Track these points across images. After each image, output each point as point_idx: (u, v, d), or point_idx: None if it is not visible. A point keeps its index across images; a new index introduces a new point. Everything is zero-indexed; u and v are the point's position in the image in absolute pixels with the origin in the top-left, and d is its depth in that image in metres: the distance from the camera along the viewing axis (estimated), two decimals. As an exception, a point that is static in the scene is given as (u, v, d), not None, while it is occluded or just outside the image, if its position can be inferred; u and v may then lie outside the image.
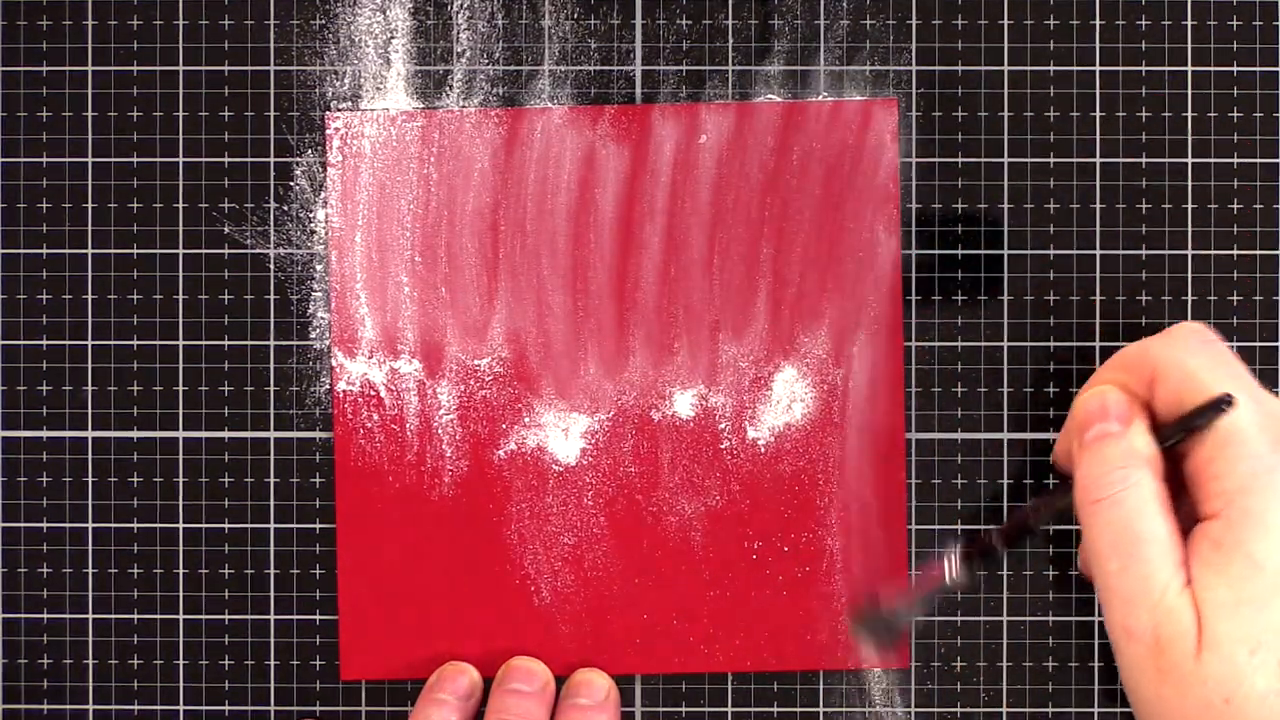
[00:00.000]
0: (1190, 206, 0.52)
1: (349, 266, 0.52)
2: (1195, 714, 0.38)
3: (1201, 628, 0.37)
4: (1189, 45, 0.52)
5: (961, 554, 0.45)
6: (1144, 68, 0.52)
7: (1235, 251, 0.52)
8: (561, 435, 0.52)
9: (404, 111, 0.52)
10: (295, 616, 0.52)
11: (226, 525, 0.52)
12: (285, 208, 0.52)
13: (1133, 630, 0.38)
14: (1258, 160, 0.52)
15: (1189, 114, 0.52)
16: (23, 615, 0.53)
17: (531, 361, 0.52)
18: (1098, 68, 0.52)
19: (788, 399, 0.52)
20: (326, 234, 0.52)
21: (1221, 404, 0.38)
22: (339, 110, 0.52)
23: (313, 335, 0.52)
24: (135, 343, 0.52)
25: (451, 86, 0.52)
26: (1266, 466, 0.38)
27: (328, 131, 0.52)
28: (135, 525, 0.52)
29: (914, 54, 0.52)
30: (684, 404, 0.52)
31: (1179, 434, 0.39)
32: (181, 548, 0.52)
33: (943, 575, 0.45)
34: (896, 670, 0.52)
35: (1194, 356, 0.40)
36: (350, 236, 0.52)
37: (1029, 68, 0.52)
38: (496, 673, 0.52)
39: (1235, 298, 0.52)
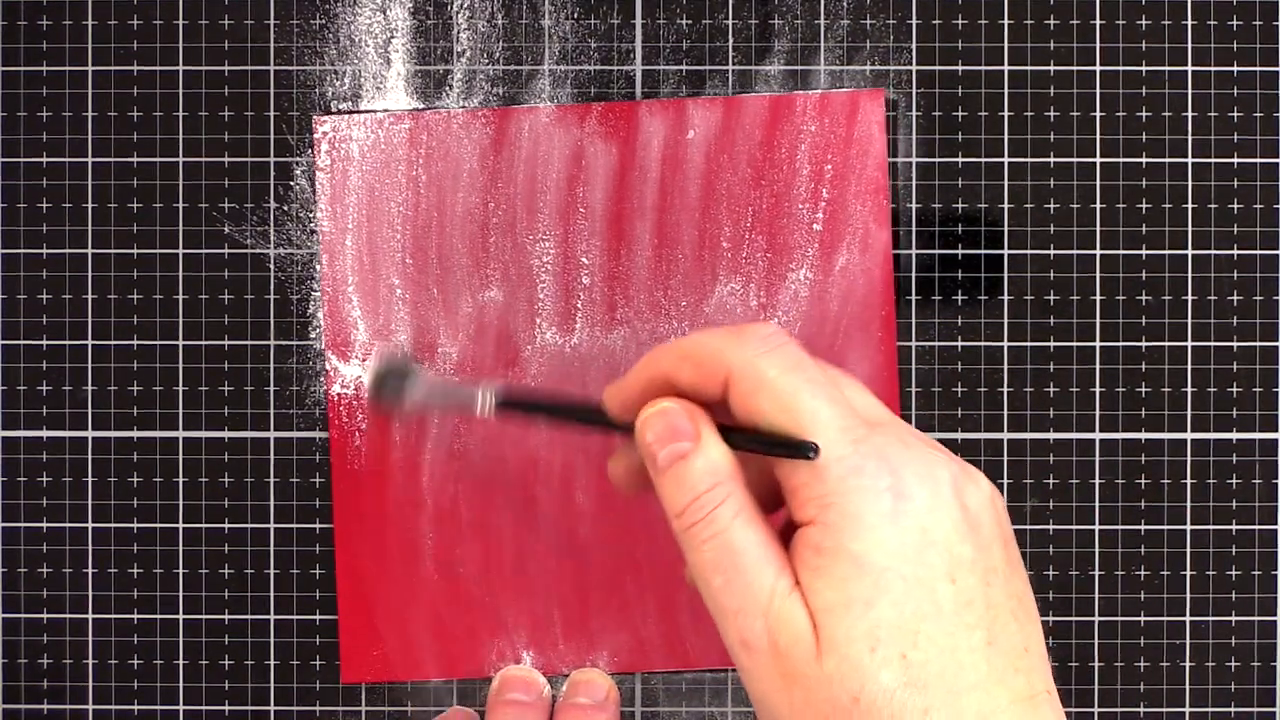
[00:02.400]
0: (1190, 206, 0.52)
1: (340, 269, 0.52)
2: (826, 715, 0.37)
3: (818, 631, 0.37)
4: (1189, 45, 0.52)
5: (501, 400, 0.43)
6: (1144, 68, 0.52)
7: (1235, 251, 0.52)
8: (557, 434, 0.52)
9: (391, 113, 0.52)
10: (295, 616, 0.52)
11: (226, 525, 0.53)
12: (285, 208, 0.52)
13: (750, 641, 0.38)
14: (1258, 160, 0.52)
15: (1189, 114, 0.52)
16: (23, 615, 0.53)
17: (525, 359, 0.52)
18: (1098, 68, 0.52)
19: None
20: (317, 238, 0.52)
21: (805, 452, 0.37)
22: (334, 112, 0.52)
23: (312, 335, 0.52)
24: (135, 343, 0.53)
25: (451, 86, 0.52)
26: (853, 468, 0.37)
27: (316, 135, 0.52)
28: (135, 525, 0.53)
29: (914, 54, 0.52)
30: (683, 404, 0.52)
31: (757, 449, 0.38)
32: (181, 548, 0.52)
33: (474, 397, 0.43)
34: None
35: (767, 362, 0.39)
36: (341, 239, 0.52)
37: (1029, 68, 0.52)
38: (493, 681, 0.52)
39: (1235, 298, 0.52)
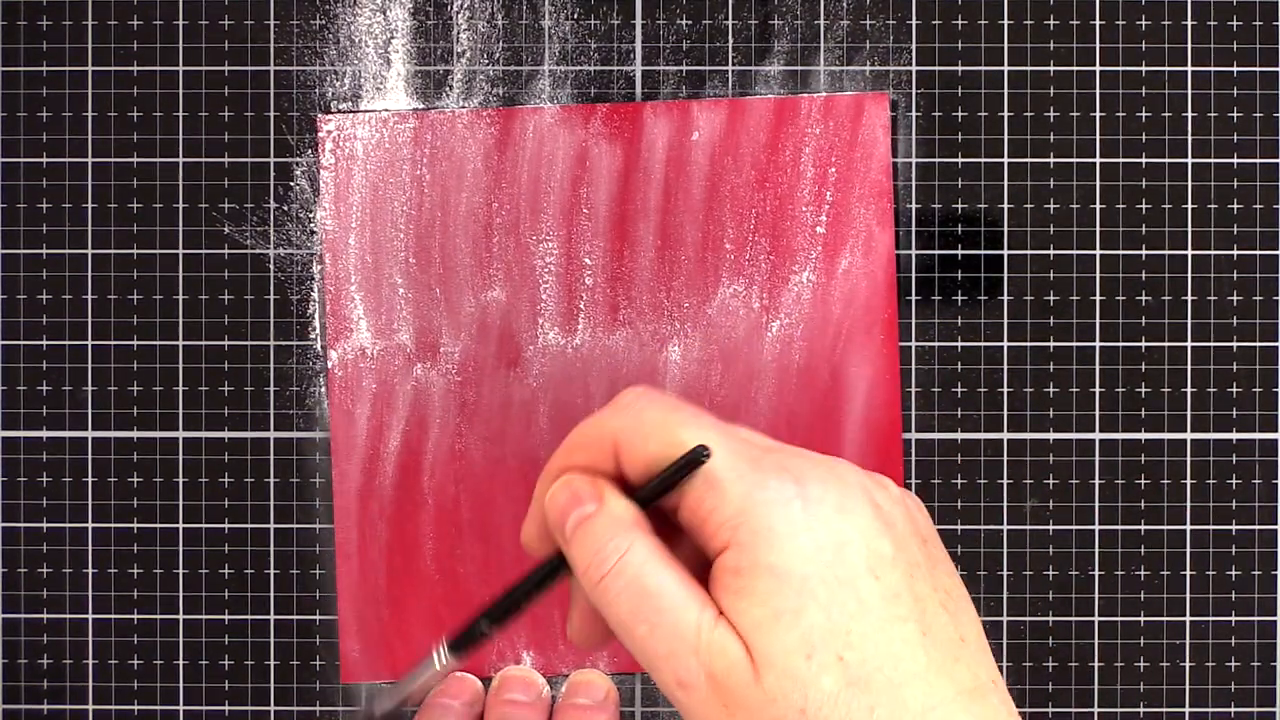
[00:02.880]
0: (1190, 206, 0.52)
1: (343, 268, 0.52)
2: None
3: (751, 653, 0.37)
4: (1189, 45, 0.52)
5: (450, 642, 0.44)
6: (1144, 68, 0.52)
7: (1235, 251, 0.52)
8: (558, 433, 0.52)
9: (396, 113, 0.52)
10: (295, 616, 0.52)
11: (226, 525, 0.52)
12: (285, 208, 0.52)
13: (685, 680, 0.38)
14: (1258, 160, 0.52)
15: (1189, 114, 0.52)
16: (23, 615, 0.53)
17: (527, 359, 0.52)
18: (1098, 68, 0.52)
19: (783, 395, 0.52)
20: (320, 236, 0.52)
21: (698, 456, 0.37)
22: (337, 111, 0.52)
23: (312, 335, 0.52)
24: (135, 343, 0.52)
25: (451, 87, 0.52)
26: (756, 483, 0.37)
27: (320, 134, 0.52)
28: (135, 525, 0.53)
29: (914, 54, 0.52)
30: (684, 404, 0.52)
31: (659, 491, 0.39)
32: (181, 548, 0.52)
33: (432, 661, 0.45)
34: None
35: (648, 413, 0.39)
36: (344, 238, 0.52)
37: (1029, 68, 0.52)
38: (493, 680, 0.52)
39: (1235, 298, 0.52)
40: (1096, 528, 0.52)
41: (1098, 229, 0.52)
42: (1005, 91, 0.52)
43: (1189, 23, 0.52)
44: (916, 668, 0.37)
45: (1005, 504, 0.52)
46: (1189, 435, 0.52)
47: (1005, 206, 0.52)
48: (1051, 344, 0.52)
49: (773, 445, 0.40)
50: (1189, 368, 0.52)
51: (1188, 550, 0.52)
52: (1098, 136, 0.52)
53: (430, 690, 0.50)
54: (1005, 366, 0.52)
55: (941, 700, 0.37)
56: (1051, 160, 0.52)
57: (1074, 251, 0.52)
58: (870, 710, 0.37)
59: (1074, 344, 0.52)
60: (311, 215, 0.52)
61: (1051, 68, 0.52)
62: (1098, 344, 0.52)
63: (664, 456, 0.38)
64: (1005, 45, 0.52)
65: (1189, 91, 0.52)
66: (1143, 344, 0.52)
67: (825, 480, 0.38)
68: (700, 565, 0.39)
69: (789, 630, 0.37)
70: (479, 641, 0.43)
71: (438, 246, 0.52)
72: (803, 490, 0.38)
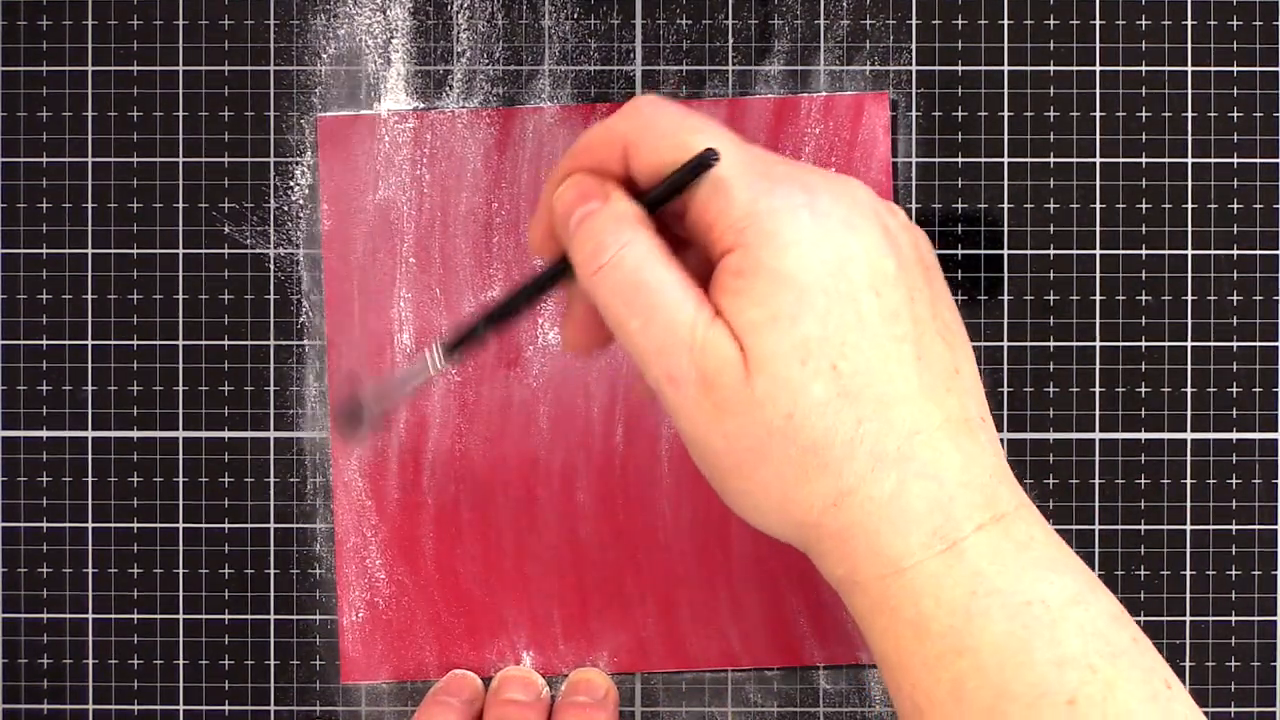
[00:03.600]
0: (1190, 206, 0.52)
1: (343, 268, 0.52)
2: (761, 440, 0.37)
3: (745, 353, 0.37)
4: (1189, 45, 0.52)
5: (445, 344, 0.43)
6: (1144, 68, 0.52)
7: (1235, 251, 0.52)
8: (557, 434, 0.52)
9: (396, 113, 0.52)
10: (295, 616, 0.52)
11: (226, 525, 0.52)
12: (285, 208, 0.52)
13: (676, 375, 0.37)
14: (1258, 160, 0.52)
15: (1189, 114, 0.52)
16: (23, 615, 0.53)
17: (526, 360, 0.52)
18: (1098, 68, 0.52)
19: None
20: (320, 236, 0.52)
21: (707, 159, 0.37)
22: (337, 111, 0.52)
23: (312, 335, 0.52)
24: (135, 343, 0.52)
25: (451, 86, 0.52)
26: (765, 190, 0.37)
27: (320, 134, 0.52)
28: (135, 525, 0.53)
29: (914, 54, 0.52)
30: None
31: (667, 194, 0.38)
32: (181, 548, 0.52)
33: (424, 362, 0.44)
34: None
35: (660, 118, 0.39)
36: (344, 238, 0.52)
37: (1029, 68, 0.52)
38: (492, 681, 0.52)
39: (1235, 298, 0.52)
40: (1096, 528, 0.52)
41: (1098, 229, 0.52)
42: (1005, 91, 0.52)
43: (1189, 23, 0.52)
44: (907, 389, 0.37)
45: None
46: (1189, 435, 0.52)
47: (1005, 206, 0.52)
48: (1051, 344, 0.52)
49: (781, 159, 0.39)
50: (1189, 368, 0.52)
51: (1188, 550, 0.52)
52: (1098, 136, 0.52)
53: (418, 389, 0.48)
54: (1005, 366, 0.52)
55: (928, 426, 0.37)
56: (1051, 160, 0.52)
57: (1074, 251, 0.52)
58: (858, 423, 0.37)
59: (1074, 344, 0.52)
60: (311, 215, 0.52)
61: (1051, 68, 0.52)
62: (1098, 344, 0.52)
63: (673, 161, 0.38)
64: (1005, 45, 0.52)
65: (1189, 91, 0.52)
66: (1143, 344, 0.52)
67: (836, 194, 0.38)
68: (703, 275, 0.39)
69: (785, 334, 0.36)
70: (474, 343, 0.43)
71: (437, 246, 0.52)
72: (812, 200, 0.37)
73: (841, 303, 0.37)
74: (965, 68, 0.52)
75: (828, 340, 0.36)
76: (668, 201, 0.39)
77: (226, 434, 0.52)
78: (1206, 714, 0.52)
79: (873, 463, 0.37)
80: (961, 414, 0.38)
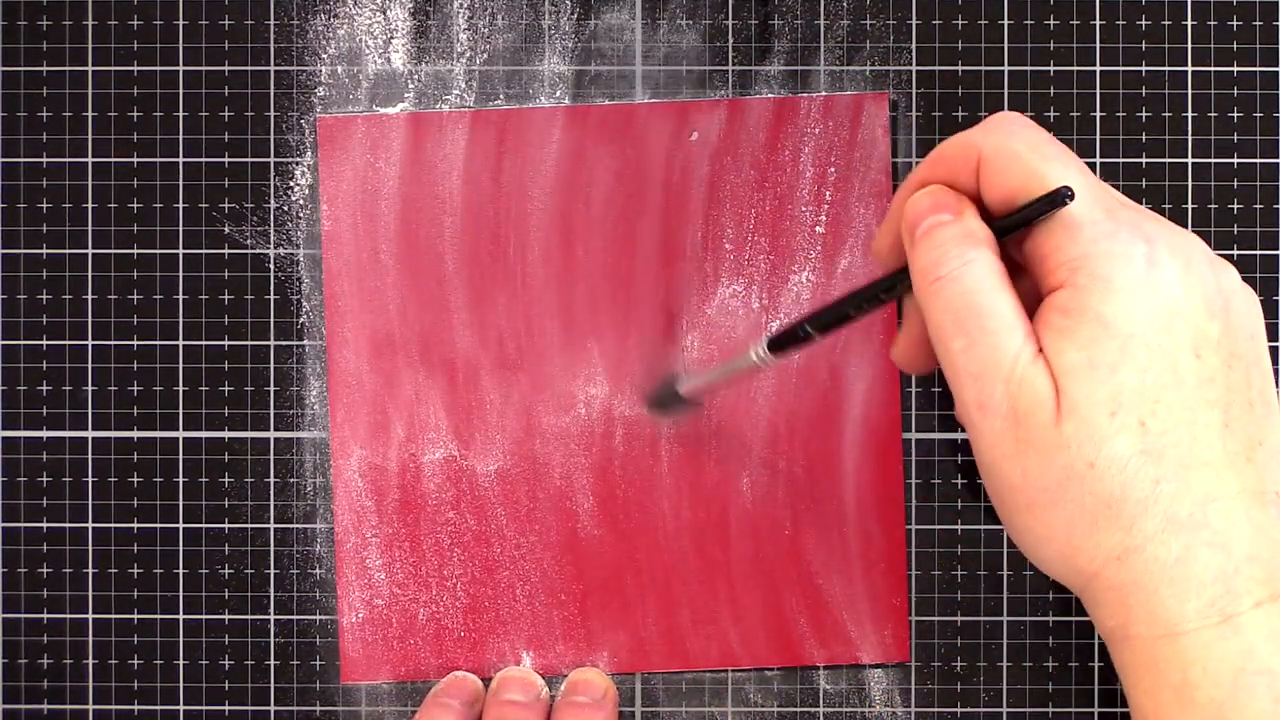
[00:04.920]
0: (1190, 206, 0.52)
1: (343, 268, 0.52)
2: (1058, 483, 0.37)
3: (1059, 394, 0.37)
4: (1189, 45, 0.52)
5: (770, 340, 0.44)
6: (1144, 68, 0.52)
7: (1235, 251, 0.52)
8: (556, 434, 0.52)
9: (396, 113, 0.52)
10: (295, 616, 0.52)
11: (226, 525, 0.53)
12: (285, 208, 0.52)
13: (987, 404, 0.38)
14: (1258, 160, 0.52)
15: (1189, 114, 0.52)
16: (23, 615, 0.53)
17: (526, 361, 0.52)
18: (1098, 68, 0.52)
19: (783, 396, 0.52)
20: (320, 236, 0.52)
21: (1062, 197, 0.37)
22: (337, 111, 0.52)
23: (312, 335, 0.52)
24: (135, 343, 0.52)
25: (451, 87, 0.52)
26: (1106, 232, 0.37)
27: (320, 134, 0.52)
28: (135, 525, 0.53)
29: (914, 54, 0.52)
30: (684, 404, 0.52)
31: (1017, 225, 0.38)
32: (181, 548, 0.52)
33: (748, 357, 0.44)
34: (896, 670, 0.52)
35: (1017, 140, 0.39)
36: (344, 238, 0.52)
37: (1029, 68, 0.52)
38: (491, 682, 0.52)
39: (1235, 298, 0.52)
40: (1096, 528, 0.52)
41: (1098, 229, 0.52)
42: (1005, 91, 0.52)
43: (1189, 23, 0.52)
44: (1210, 456, 0.37)
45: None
46: (1189, 435, 0.52)
47: (1005, 206, 0.52)
48: (1051, 344, 0.52)
49: (1129, 202, 0.39)
50: (1189, 368, 0.52)
51: (1188, 550, 0.52)
52: (1098, 136, 0.52)
53: (738, 380, 0.48)
54: (1005, 366, 0.52)
55: (1224, 494, 0.37)
56: (1051, 160, 0.52)
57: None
58: (1156, 482, 0.37)
59: (1074, 344, 0.52)
60: (311, 215, 0.52)
61: (1051, 68, 0.52)
62: (1098, 344, 0.52)
63: (1023, 187, 0.38)
64: (1005, 45, 0.52)
65: (1189, 91, 0.52)
66: (1143, 344, 0.52)
67: (1174, 248, 0.38)
68: (1030, 300, 0.39)
69: (1101, 383, 0.37)
70: (799, 344, 0.43)
71: (438, 246, 0.52)
72: (1151, 251, 0.37)
73: (1161, 360, 0.37)
74: (965, 68, 0.52)
75: (1141, 395, 0.37)
76: (1016, 230, 0.39)
77: (226, 434, 0.52)
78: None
79: (1164, 524, 0.37)
80: (1259, 486, 0.38)
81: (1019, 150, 0.39)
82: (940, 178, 0.41)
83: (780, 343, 0.44)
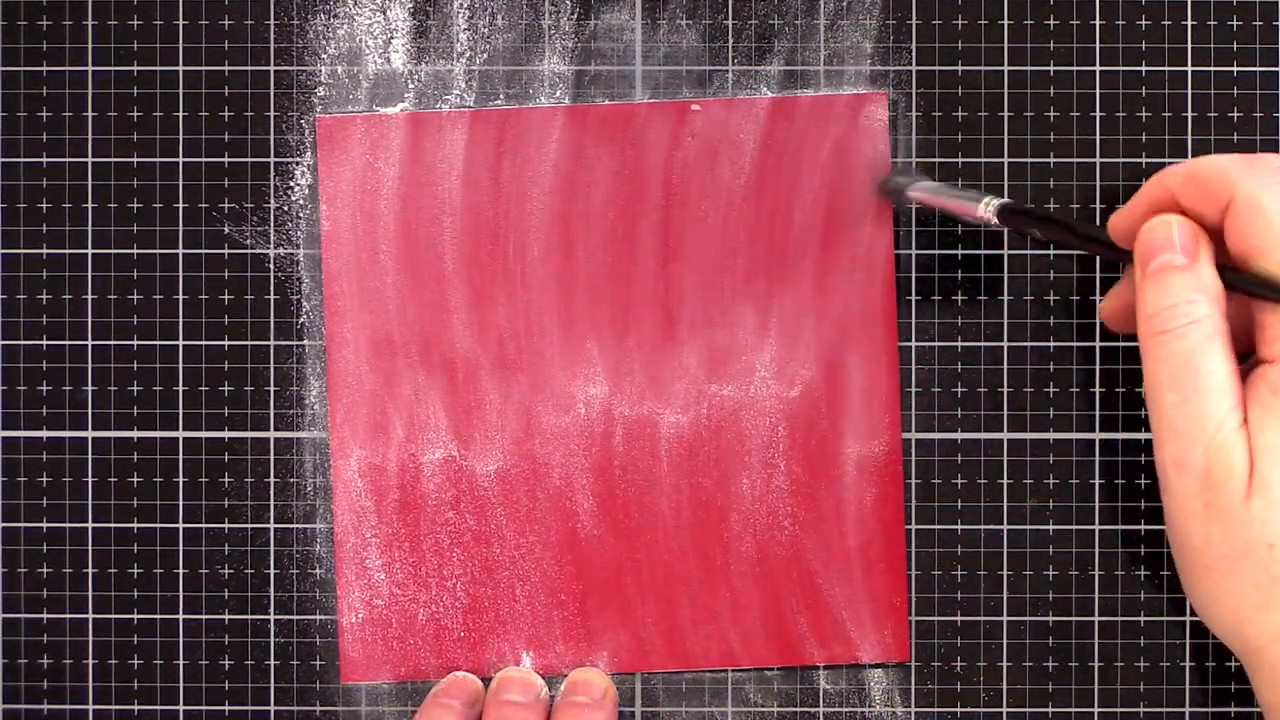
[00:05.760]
0: (1190, 206, 0.52)
1: (343, 268, 0.52)
2: (1238, 556, 0.38)
3: (1253, 470, 0.37)
4: (1189, 45, 0.52)
5: (1001, 205, 0.44)
6: (1144, 68, 0.52)
7: (1235, 251, 0.52)
8: (556, 434, 0.52)
9: (395, 113, 0.52)
10: (295, 616, 0.52)
11: (226, 525, 0.52)
12: (285, 208, 0.52)
13: (1184, 464, 0.38)
14: (1258, 160, 0.52)
15: (1189, 114, 0.52)
16: (23, 615, 0.53)
17: (525, 360, 0.52)
18: (1098, 68, 0.52)
19: (783, 396, 0.52)
20: (320, 236, 0.52)
21: None
22: (337, 111, 0.52)
23: (312, 335, 0.52)
24: (135, 343, 0.52)
25: (451, 87, 0.52)
26: None
27: (320, 134, 0.52)
28: (135, 525, 0.53)
29: (914, 54, 0.52)
30: (678, 403, 0.52)
31: (1249, 291, 0.38)
32: (181, 548, 0.52)
33: (976, 201, 0.45)
34: (896, 670, 0.52)
35: (1273, 198, 0.38)
36: (344, 238, 0.52)
37: (1029, 68, 0.52)
38: (491, 682, 0.52)
39: (1235, 298, 0.52)
40: (1096, 528, 0.52)
41: (1098, 229, 0.52)
42: (1005, 91, 0.52)
43: (1189, 23, 0.52)
44: None
45: (1005, 504, 0.52)
46: (1189, 435, 0.52)
47: (1005, 206, 0.52)
48: (1051, 344, 0.52)
49: None
50: (1189, 368, 0.52)
51: (1188, 550, 0.52)
52: (1098, 136, 0.52)
53: (954, 212, 0.49)
54: (1005, 366, 0.52)
55: None
56: (1051, 160, 0.52)
57: (1074, 252, 0.52)
58: None
59: (1074, 344, 0.52)
60: (311, 215, 0.52)
61: (1051, 68, 0.52)
62: (1098, 344, 0.52)
63: (1262, 252, 0.38)
64: (1005, 45, 0.52)
65: (1189, 91, 0.52)
66: (1143, 344, 0.52)
67: None
68: (1238, 328, 0.39)
69: None
70: (1024, 221, 0.44)
71: (438, 247, 0.52)
72: None
73: None
74: (965, 68, 0.52)
75: None
76: (1243, 292, 0.39)
77: (226, 434, 0.52)
78: (1207, 714, 0.52)
79: None
80: None
81: (1269, 208, 0.38)
82: (1189, 197, 0.40)
83: (1009, 210, 0.44)
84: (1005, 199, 0.45)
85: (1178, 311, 0.39)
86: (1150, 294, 0.40)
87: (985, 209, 0.45)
